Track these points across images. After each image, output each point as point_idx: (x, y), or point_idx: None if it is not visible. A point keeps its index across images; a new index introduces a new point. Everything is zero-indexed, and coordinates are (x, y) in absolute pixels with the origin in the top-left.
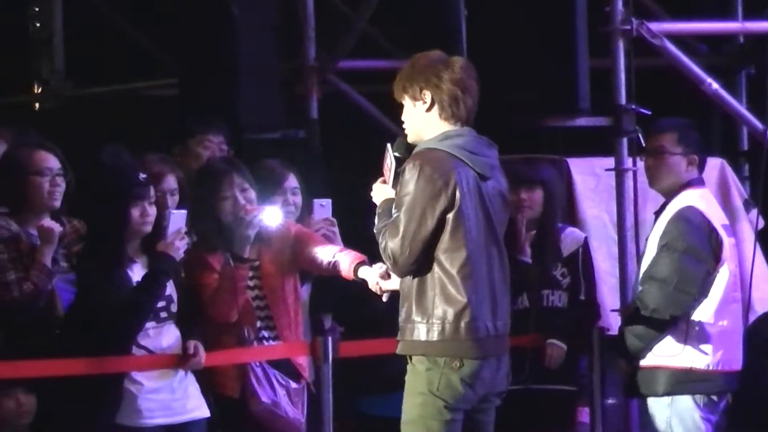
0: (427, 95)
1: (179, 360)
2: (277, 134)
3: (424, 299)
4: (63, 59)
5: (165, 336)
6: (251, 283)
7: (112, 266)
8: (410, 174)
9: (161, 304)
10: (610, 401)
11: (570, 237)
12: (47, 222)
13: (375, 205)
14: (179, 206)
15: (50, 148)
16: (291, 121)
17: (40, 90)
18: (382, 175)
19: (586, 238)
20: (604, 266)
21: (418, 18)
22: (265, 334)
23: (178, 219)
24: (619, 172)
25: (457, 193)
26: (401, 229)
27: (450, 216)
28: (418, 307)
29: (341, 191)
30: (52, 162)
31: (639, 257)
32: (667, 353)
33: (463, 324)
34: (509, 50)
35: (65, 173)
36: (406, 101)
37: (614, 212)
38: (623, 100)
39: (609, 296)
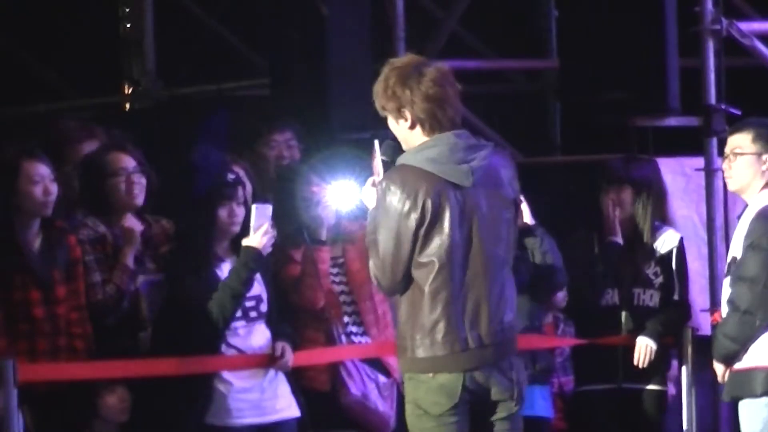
0: (407, 114)
1: (268, 360)
2: (367, 134)
3: (404, 317)
4: (154, 60)
5: (255, 335)
6: (337, 279)
7: (200, 266)
8: (380, 193)
9: (250, 303)
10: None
11: (666, 236)
12: (128, 222)
13: None
14: (263, 200)
15: (125, 148)
16: (381, 122)
17: (130, 90)
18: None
19: (681, 238)
20: (693, 266)
21: (509, 18)
22: (353, 329)
23: (262, 213)
24: (709, 172)
25: (427, 209)
26: (380, 250)
27: (421, 232)
28: (403, 325)
29: None
30: (127, 161)
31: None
32: (763, 353)
33: (438, 339)
34: (599, 50)
35: (144, 171)
36: (389, 118)
37: (704, 212)
38: (713, 100)
39: (699, 296)
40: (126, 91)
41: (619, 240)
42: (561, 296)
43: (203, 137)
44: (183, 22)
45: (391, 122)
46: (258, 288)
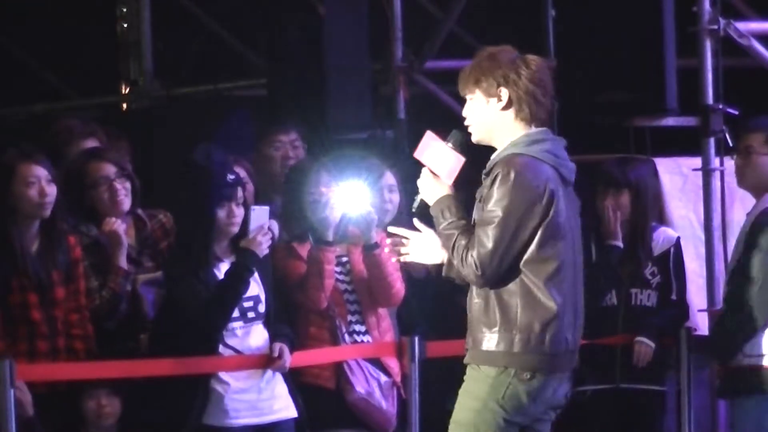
0: (504, 93)
1: (265, 361)
2: (365, 134)
3: (507, 310)
4: (151, 60)
5: (253, 336)
6: (341, 278)
7: (198, 266)
8: (503, 182)
9: (248, 304)
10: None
11: (662, 236)
12: (109, 225)
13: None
14: (261, 202)
15: (103, 156)
16: (378, 122)
17: (128, 90)
18: (423, 164)
19: (678, 238)
20: (691, 266)
21: (506, 18)
22: (356, 328)
23: (260, 215)
24: (707, 172)
25: (552, 203)
26: (492, 241)
27: (542, 225)
28: (501, 317)
29: None
30: (107, 169)
31: (726, 258)
32: (760, 352)
33: (548, 336)
34: (597, 50)
35: (127, 175)
36: (476, 96)
37: (701, 212)
38: (711, 100)
39: (696, 296)
40: (124, 91)
41: (620, 243)
42: None
43: (221, 137)
44: (181, 22)
45: (477, 103)
46: (256, 289)
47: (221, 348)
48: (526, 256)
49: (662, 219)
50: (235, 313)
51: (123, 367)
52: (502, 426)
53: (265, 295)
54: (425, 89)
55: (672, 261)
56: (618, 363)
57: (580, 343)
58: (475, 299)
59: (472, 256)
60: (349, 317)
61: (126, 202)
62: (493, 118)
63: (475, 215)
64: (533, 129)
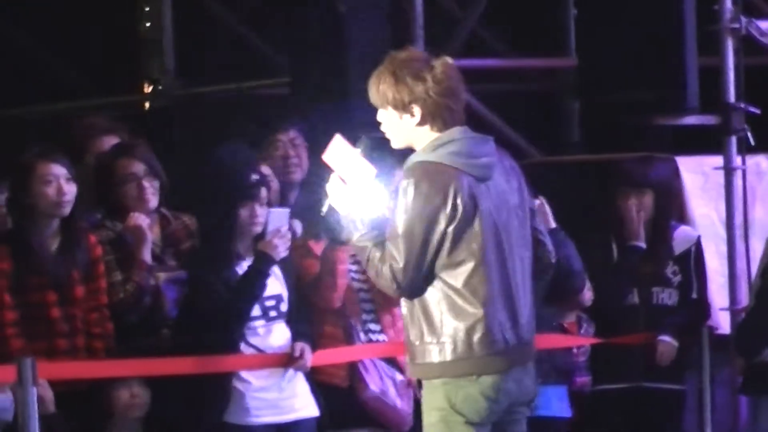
0: (416, 109)
1: (286, 360)
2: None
3: (431, 319)
4: (173, 58)
5: (274, 335)
6: (356, 276)
7: (221, 265)
8: (406, 192)
9: (270, 303)
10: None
11: (682, 235)
12: (133, 220)
13: None
14: (281, 204)
15: (133, 152)
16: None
17: (150, 89)
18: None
19: (698, 237)
20: (712, 265)
21: (528, 17)
22: (372, 327)
23: (278, 217)
24: (728, 170)
25: (458, 206)
26: (403, 253)
27: (450, 230)
28: (427, 327)
29: None
30: (136, 167)
31: (748, 256)
32: None
33: (475, 339)
34: (618, 49)
35: (156, 174)
36: (388, 111)
37: (723, 211)
38: (732, 99)
39: (717, 295)
40: (145, 90)
41: (642, 244)
42: (588, 296)
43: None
44: (202, 20)
45: (392, 117)
46: (278, 287)
47: (243, 346)
48: (439, 262)
49: (683, 218)
50: (257, 312)
51: (145, 365)
52: (468, 430)
53: (287, 293)
54: None
55: (693, 260)
56: (639, 362)
57: (532, 335)
58: (403, 311)
59: (386, 269)
60: (364, 316)
61: (153, 201)
62: (409, 131)
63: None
64: (442, 133)
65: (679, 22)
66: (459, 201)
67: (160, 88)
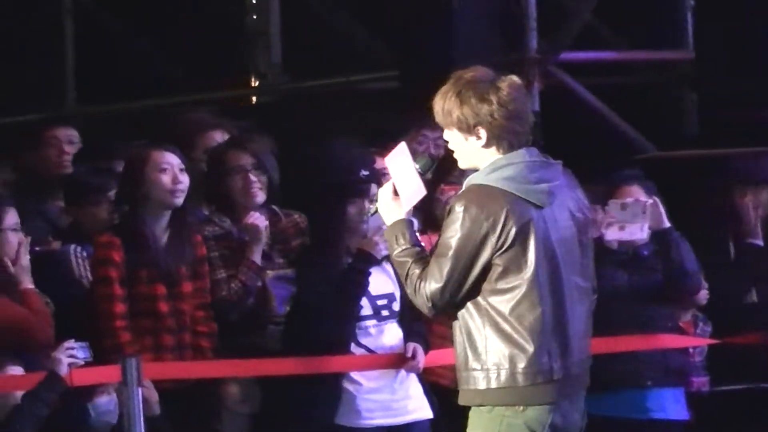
0: (482, 132)
1: (398, 360)
2: None
3: (475, 345)
4: (280, 52)
5: (386, 335)
6: None
7: (329, 263)
8: (456, 215)
9: (382, 302)
10: None
11: None
12: (252, 218)
13: None
14: None
15: (245, 145)
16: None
17: (257, 84)
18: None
19: None
20: None
21: (642, 8)
22: None
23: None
24: None
25: (508, 233)
26: (445, 273)
27: (497, 257)
28: (472, 353)
29: None
30: (244, 159)
31: None
32: None
33: (520, 368)
34: (737, 40)
35: (264, 169)
36: (453, 132)
37: None
38: None
39: None
40: (252, 85)
41: (760, 241)
42: (702, 294)
43: None
44: (309, 13)
45: (457, 138)
46: (391, 286)
47: (353, 347)
48: (487, 287)
49: None
50: (368, 311)
51: (252, 365)
52: None
53: (400, 292)
54: (560, 81)
55: None
56: (758, 362)
57: (584, 367)
58: (455, 336)
59: (424, 287)
60: None
61: (260, 195)
62: (475, 153)
63: None
64: (500, 156)
65: None
66: (509, 228)
67: (266, 82)
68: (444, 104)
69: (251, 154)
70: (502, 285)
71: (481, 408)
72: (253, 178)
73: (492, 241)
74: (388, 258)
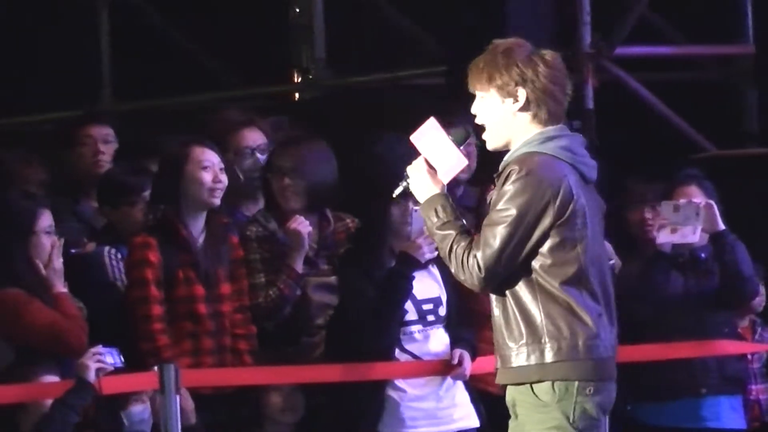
0: (522, 93)
1: (444, 367)
2: None
3: (531, 319)
4: (324, 47)
5: (432, 340)
6: None
7: (372, 266)
8: (516, 181)
9: (428, 306)
10: None
11: None
12: (295, 223)
13: None
14: None
15: (287, 147)
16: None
17: (300, 79)
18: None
19: None
20: None
21: (701, 1)
22: None
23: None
24: None
25: (570, 203)
26: (501, 240)
27: (555, 226)
28: (527, 327)
29: (618, 185)
30: (282, 161)
31: None
32: None
33: (581, 341)
34: None
35: (299, 173)
36: (490, 94)
37: None
38: None
39: None
40: (295, 80)
41: None
42: (758, 300)
43: None
44: (354, 6)
45: (491, 103)
46: (437, 290)
47: (398, 353)
48: (541, 260)
49: None
50: (413, 316)
51: (294, 372)
52: None
53: (446, 296)
54: (615, 77)
55: None
56: None
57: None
58: (494, 312)
59: (475, 257)
60: None
61: (293, 200)
62: (508, 119)
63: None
64: (549, 127)
65: None
66: (568, 198)
67: (310, 78)
68: (484, 66)
69: (290, 157)
70: (558, 257)
71: (544, 395)
72: (288, 181)
73: (553, 209)
74: (433, 261)
